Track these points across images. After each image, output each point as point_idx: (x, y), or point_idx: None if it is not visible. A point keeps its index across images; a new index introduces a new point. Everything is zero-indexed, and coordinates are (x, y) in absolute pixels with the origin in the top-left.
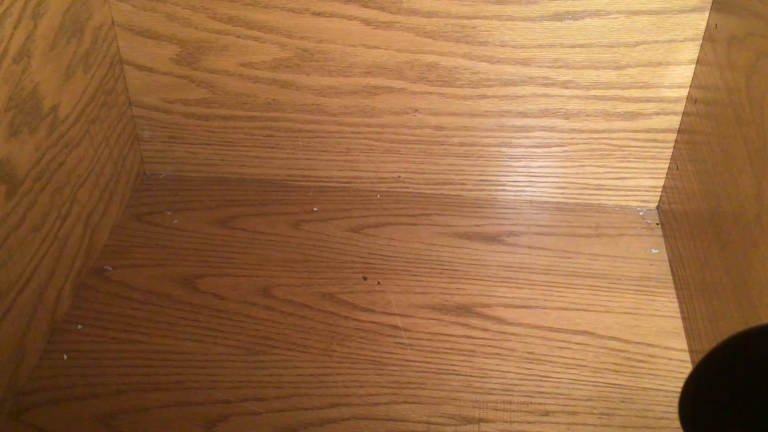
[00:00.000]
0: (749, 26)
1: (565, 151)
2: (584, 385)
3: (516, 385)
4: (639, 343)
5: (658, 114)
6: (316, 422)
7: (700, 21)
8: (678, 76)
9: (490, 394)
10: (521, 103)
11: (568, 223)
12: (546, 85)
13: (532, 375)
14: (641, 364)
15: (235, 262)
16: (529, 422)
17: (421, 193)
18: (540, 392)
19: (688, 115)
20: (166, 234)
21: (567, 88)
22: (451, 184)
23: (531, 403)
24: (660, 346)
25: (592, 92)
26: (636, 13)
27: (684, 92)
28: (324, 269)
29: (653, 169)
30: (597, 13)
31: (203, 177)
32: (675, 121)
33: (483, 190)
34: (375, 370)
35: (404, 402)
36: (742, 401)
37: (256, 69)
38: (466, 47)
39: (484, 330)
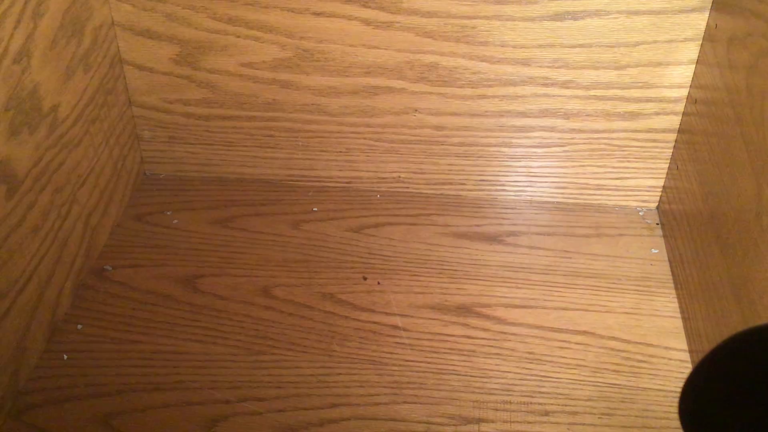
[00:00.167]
0: (749, 26)
1: (565, 151)
2: (584, 385)
3: (516, 385)
4: (639, 343)
5: (658, 114)
6: (316, 422)
7: (700, 21)
8: (678, 76)
9: (490, 394)
10: (521, 103)
11: (568, 223)
12: (546, 85)
13: (532, 375)
14: (641, 364)
15: (235, 262)
16: (529, 422)
17: (421, 193)
18: (540, 392)
19: (688, 115)
20: (166, 234)
21: (567, 88)
22: (451, 184)
23: (531, 403)
24: (660, 346)
25: (592, 92)
26: (636, 13)
27: (684, 92)
28: (324, 269)
29: (653, 169)
30: (597, 13)
31: (203, 177)
32: (675, 121)
33: (483, 190)
34: (375, 370)
35: (404, 402)
36: (742, 401)
37: (256, 69)
38: (466, 47)
39: (484, 330)
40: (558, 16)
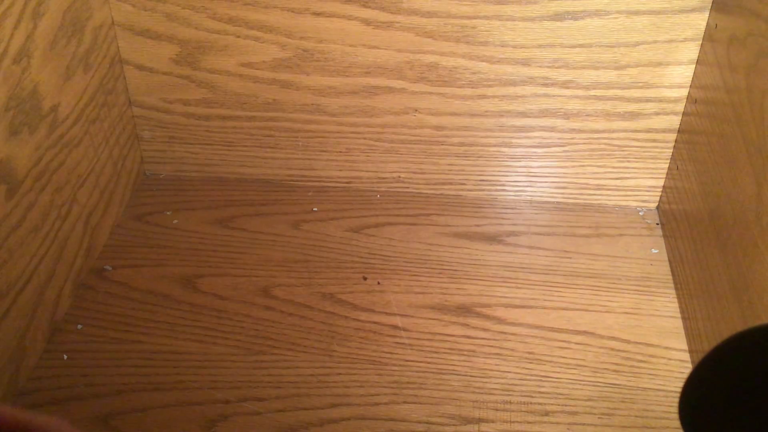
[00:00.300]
0: (749, 26)
1: (565, 151)
2: (584, 385)
3: (516, 385)
4: (639, 343)
5: (658, 114)
6: (316, 422)
7: (700, 21)
8: (678, 76)
9: (490, 394)
10: (521, 103)
11: (568, 223)
12: (546, 85)
13: (532, 375)
14: (641, 364)
15: (235, 262)
16: (529, 422)
17: (421, 193)
18: (540, 392)
19: (688, 115)
20: (166, 234)
21: (567, 88)
22: (451, 184)
23: (531, 403)
24: (660, 346)
25: (592, 92)
26: (636, 13)
27: (684, 92)
28: (324, 269)
29: (653, 169)
30: (597, 13)
31: (203, 177)
32: (675, 121)
33: (483, 190)
34: (375, 370)
35: (404, 402)
36: (743, 401)
37: (256, 69)
38: (466, 47)
39: (484, 330)
40: (558, 16)
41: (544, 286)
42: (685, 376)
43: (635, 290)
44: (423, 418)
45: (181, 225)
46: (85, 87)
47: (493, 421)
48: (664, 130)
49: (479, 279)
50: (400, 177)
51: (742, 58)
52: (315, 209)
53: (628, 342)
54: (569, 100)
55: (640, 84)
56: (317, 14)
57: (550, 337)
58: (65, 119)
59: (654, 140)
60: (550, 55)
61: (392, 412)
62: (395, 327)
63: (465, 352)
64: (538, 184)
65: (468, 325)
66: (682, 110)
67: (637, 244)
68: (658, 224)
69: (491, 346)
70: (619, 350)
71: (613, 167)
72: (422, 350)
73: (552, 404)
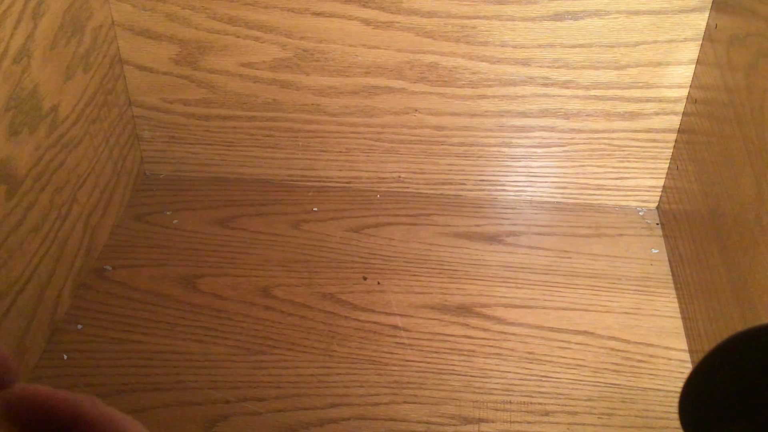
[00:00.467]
0: (749, 26)
1: (565, 151)
2: (584, 385)
3: (516, 385)
4: (639, 343)
5: (658, 114)
6: (316, 422)
7: (700, 21)
8: (678, 76)
9: (490, 394)
10: (521, 103)
11: (568, 223)
12: (546, 85)
13: (532, 375)
14: (641, 364)
15: (235, 262)
16: (529, 422)
17: (421, 193)
18: (540, 392)
19: (688, 115)
20: (166, 234)
21: (567, 88)
22: (451, 184)
23: (531, 403)
24: (660, 346)
25: (592, 92)
26: (636, 13)
27: (684, 92)
28: (324, 269)
29: (653, 169)
30: (597, 13)
31: (203, 177)
32: (675, 121)
33: (483, 190)
34: (375, 370)
35: (404, 402)
36: (743, 401)
37: (256, 69)
38: (466, 47)
39: (484, 330)
40: (558, 16)
41: (544, 286)
42: (685, 376)
43: (635, 290)
44: (423, 418)
45: (181, 225)
46: (85, 87)
47: (493, 421)
48: (664, 130)
49: (479, 279)
50: (400, 177)
51: (742, 58)
52: (315, 209)
53: (628, 342)
54: (569, 100)
55: (640, 84)
56: (317, 14)
57: (550, 337)
58: (65, 119)
59: (654, 140)
60: (550, 55)
61: (392, 412)
62: (395, 327)
63: (465, 352)
64: (538, 184)
65: (468, 325)
66: (682, 110)
67: (637, 244)
68: (658, 224)
69: (491, 346)
70: (619, 350)
71: (613, 167)
72: (422, 350)
73: (552, 404)
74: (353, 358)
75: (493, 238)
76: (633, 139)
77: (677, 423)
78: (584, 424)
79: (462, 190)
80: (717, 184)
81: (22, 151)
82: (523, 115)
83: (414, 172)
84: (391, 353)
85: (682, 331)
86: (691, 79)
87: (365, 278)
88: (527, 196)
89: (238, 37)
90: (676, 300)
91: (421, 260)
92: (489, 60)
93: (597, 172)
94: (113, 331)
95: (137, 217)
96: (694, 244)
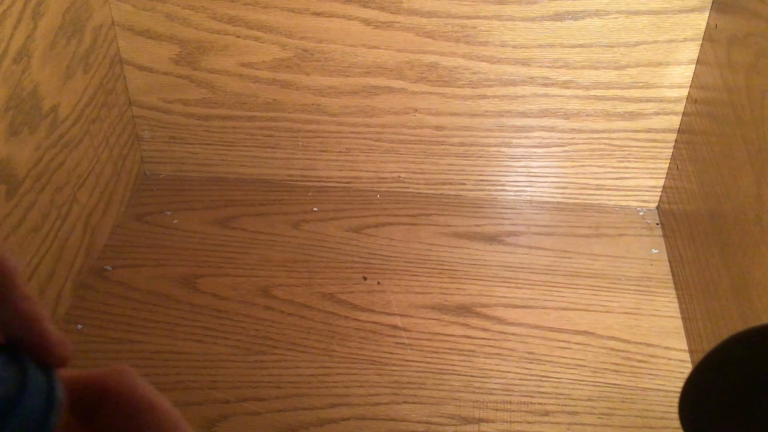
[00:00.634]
0: (749, 26)
1: (565, 151)
2: (584, 385)
3: (516, 385)
4: (639, 343)
5: (658, 114)
6: (316, 422)
7: (700, 21)
8: (678, 76)
9: (490, 394)
10: (521, 103)
11: (568, 223)
12: (546, 85)
13: (532, 375)
14: (641, 364)
15: (235, 262)
16: (529, 422)
17: (421, 193)
18: (540, 392)
19: (688, 115)
20: (166, 234)
21: (567, 88)
22: (451, 184)
23: (531, 403)
24: (660, 346)
25: (592, 92)
26: (636, 13)
27: (684, 92)
28: (324, 269)
29: (653, 169)
30: (597, 13)
31: (203, 177)
32: (675, 121)
33: (483, 190)
34: (375, 370)
35: (404, 402)
36: (742, 401)
37: (256, 69)
38: (466, 47)
39: (484, 330)
40: (558, 16)
41: (544, 286)
42: (685, 376)
43: (635, 290)
44: (423, 418)
45: (181, 225)
46: (85, 87)
47: (493, 421)
48: (664, 130)
49: (479, 279)
50: (400, 177)
51: (742, 58)
52: (315, 209)
53: (628, 342)
54: (569, 100)
55: (640, 84)
56: (317, 14)
57: (550, 337)
58: (65, 119)
59: (654, 140)
60: (550, 55)
61: (392, 412)
62: (395, 327)
63: (465, 352)
64: (538, 184)
65: (468, 325)
66: (682, 110)
67: (637, 244)
68: (658, 224)
69: (491, 346)
70: (619, 350)
71: (613, 167)
72: (422, 350)
73: (552, 404)
74: (353, 358)
75: (493, 238)
76: (633, 139)
77: (677, 423)
78: (584, 424)
79: (462, 190)
80: (717, 184)
81: (22, 151)
82: (523, 115)
83: (414, 172)
84: (391, 353)
85: (682, 331)
86: (691, 79)
87: (365, 278)
88: (527, 196)
89: (238, 37)
90: (676, 300)
91: (421, 260)
92: (489, 60)
93: (597, 172)
94: (113, 331)
95: (137, 217)
96: (694, 244)
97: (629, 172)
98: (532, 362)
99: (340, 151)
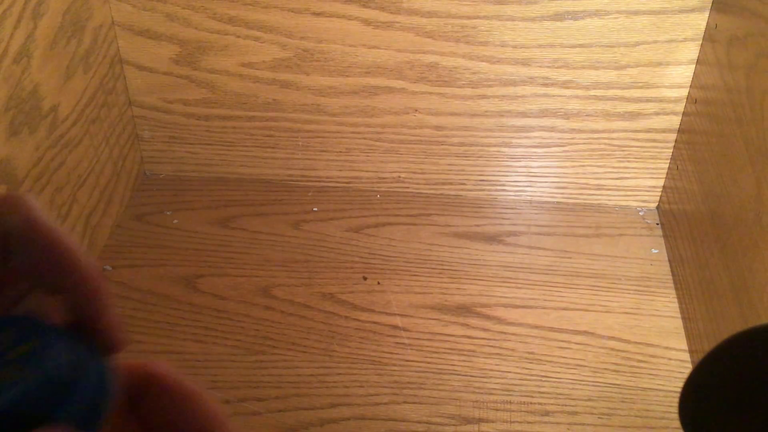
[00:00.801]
0: (749, 26)
1: (565, 151)
2: (584, 385)
3: (516, 385)
4: (639, 343)
5: (658, 114)
6: (316, 422)
7: (700, 21)
8: (678, 76)
9: (490, 394)
10: (521, 103)
11: (568, 223)
12: (546, 85)
13: (532, 375)
14: (641, 364)
15: (235, 262)
16: (529, 422)
17: (421, 193)
18: (540, 392)
19: (688, 115)
20: (166, 234)
21: (567, 88)
22: (451, 184)
23: (531, 403)
24: (660, 346)
25: (592, 92)
26: (636, 13)
27: (684, 92)
28: (324, 269)
29: (653, 169)
30: (597, 13)
31: (203, 177)
32: (675, 121)
33: (483, 190)
34: (375, 370)
35: (404, 402)
36: (743, 401)
37: (256, 69)
38: (466, 47)
39: (484, 330)
40: (558, 16)
41: (544, 286)
42: (685, 376)
43: (635, 290)
44: (423, 418)
45: (181, 225)
46: (85, 87)
47: (493, 421)
48: (664, 130)
49: (479, 279)
50: (400, 177)
51: (742, 58)
52: (315, 209)
53: (628, 342)
54: (569, 100)
55: (640, 84)
56: (317, 14)
57: (550, 337)
58: (65, 119)
59: (654, 140)
60: (550, 55)
61: (392, 412)
62: (395, 327)
63: (465, 352)
64: (538, 184)
65: (468, 325)
66: (682, 110)
67: (637, 244)
68: (658, 224)
69: (491, 346)
70: (619, 350)
71: (613, 167)
72: (422, 350)
73: (552, 404)
74: (353, 358)
75: (493, 238)
76: (633, 139)
77: (677, 423)
78: (584, 424)
79: (462, 190)
80: (717, 184)
81: (22, 151)
82: (523, 115)
83: (414, 172)
84: (391, 353)
85: (682, 331)
86: (691, 79)
87: (365, 278)
88: (527, 196)
89: (238, 37)
90: (676, 300)
91: (421, 260)
92: (489, 60)
93: (597, 172)
94: None
95: (137, 217)
96: (694, 244)
97: (629, 172)
98: (532, 362)
99: (340, 151)
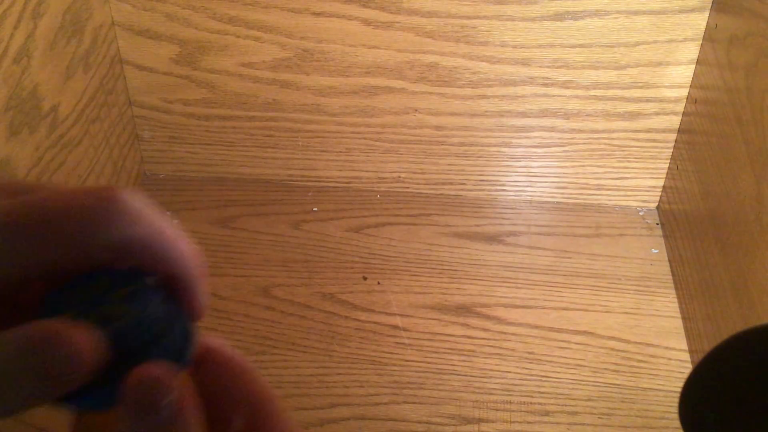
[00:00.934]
0: (749, 26)
1: (565, 151)
2: (584, 385)
3: (516, 385)
4: (639, 343)
5: (658, 114)
6: (316, 422)
7: (700, 21)
8: (678, 76)
9: (490, 394)
10: (521, 103)
11: (568, 223)
12: (546, 85)
13: (532, 375)
14: (641, 364)
15: (235, 262)
16: (529, 422)
17: (421, 193)
18: (540, 392)
19: (688, 115)
20: None
21: (567, 88)
22: (451, 184)
23: (531, 403)
24: (660, 346)
25: (592, 92)
26: (636, 13)
27: (684, 92)
28: (324, 269)
29: (653, 169)
30: (597, 13)
31: (203, 177)
32: (675, 121)
33: (483, 190)
34: (375, 370)
35: (404, 402)
36: (743, 401)
37: (256, 69)
38: (466, 47)
39: (484, 330)
40: (558, 16)
41: (544, 286)
42: (685, 376)
43: (635, 290)
44: (423, 418)
45: (181, 225)
46: (85, 87)
47: (493, 421)
48: (664, 130)
49: (479, 279)
50: (400, 177)
51: (742, 58)
52: (315, 209)
53: (628, 342)
54: (569, 100)
55: (640, 84)
56: (317, 14)
57: (550, 337)
58: (65, 119)
59: (654, 140)
60: (550, 55)
61: (392, 412)
62: (395, 327)
63: (465, 352)
64: (538, 184)
65: (468, 325)
66: (682, 110)
67: (637, 244)
68: (658, 224)
69: (491, 346)
70: (619, 350)
71: (613, 167)
72: (422, 350)
73: (552, 404)
74: (353, 358)
75: (493, 238)
76: (633, 139)
77: (677, 423)
78: (584, 424)
79: (462, 190)
80: (717, 184)
81: (22, 151)
82: (523, 115)
83: (414, 172)
84: (391, 353)
85: (682, 331)
86: (691, 79)
87: (365, 278)
88: (527, 196)
89: (238, 37)
90: (676, 300)
91: (421, 260)
92: (489, 60)
93: (597, 172)
94: None
95: None
96: (694, 244)
97: (629, 172)
98: (532, 362)
99: (340, 151)
